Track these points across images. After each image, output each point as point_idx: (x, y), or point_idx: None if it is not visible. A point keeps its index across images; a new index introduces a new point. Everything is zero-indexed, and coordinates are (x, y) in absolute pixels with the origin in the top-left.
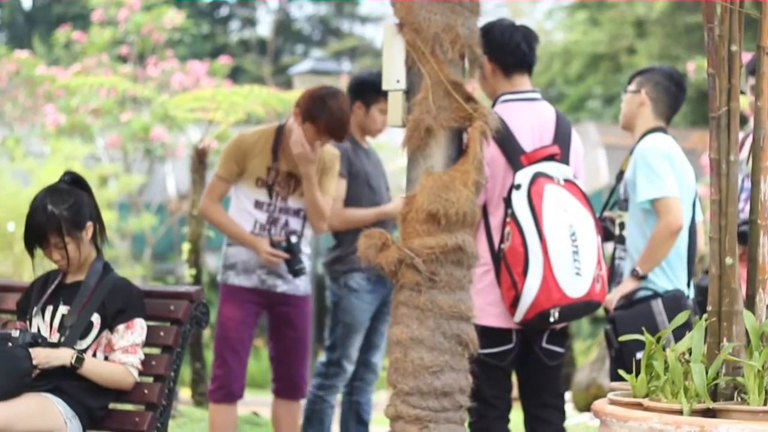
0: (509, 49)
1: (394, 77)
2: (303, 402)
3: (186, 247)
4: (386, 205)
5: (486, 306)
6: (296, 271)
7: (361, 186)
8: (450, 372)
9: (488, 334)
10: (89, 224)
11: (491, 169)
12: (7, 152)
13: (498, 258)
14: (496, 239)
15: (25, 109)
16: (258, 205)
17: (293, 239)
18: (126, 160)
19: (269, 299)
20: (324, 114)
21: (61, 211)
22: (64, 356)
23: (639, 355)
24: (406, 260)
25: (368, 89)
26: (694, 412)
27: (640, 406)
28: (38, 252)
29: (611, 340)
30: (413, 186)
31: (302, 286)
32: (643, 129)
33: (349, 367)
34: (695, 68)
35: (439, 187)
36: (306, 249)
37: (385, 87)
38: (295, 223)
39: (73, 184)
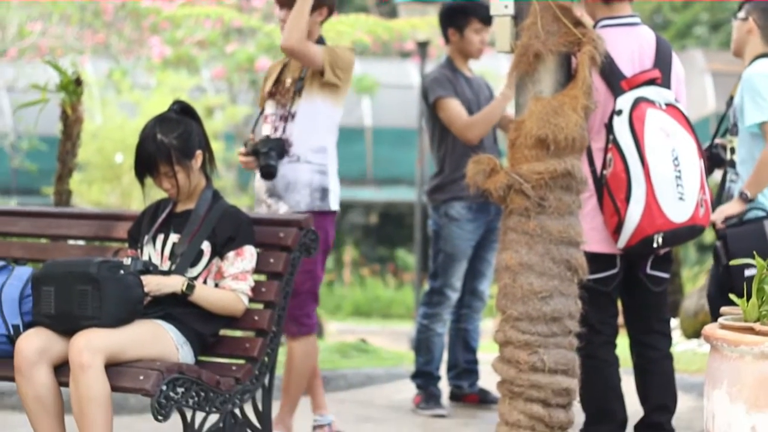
0: None
1: (501, 3)
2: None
3: None
4: (496, 99)
5: (589, 231)
6: (262, 172)
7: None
8: (559, 297)
9: (592, 260)
10: (198, 153)
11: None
12: (113, 85)
13: (600, 184)
14: (599, 165)
15: (131, 42)
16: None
17: (257, 139)
18: (231, 91)
19: None
20: None
21: (171, 140)
22: (175, 284)
23: (747, 272)
24: (515, 186)
25: (458, 14)
26: None
27: (751, 330)
28: (148, 181)
29: (719, 256)
30: (522, 111)
31: (303, 200)
32: (752, 55)
33: (453, 295)
34: None
35: (548, 112)
36: (306, 155)
37: (493, 12)
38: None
39: (182, 113)
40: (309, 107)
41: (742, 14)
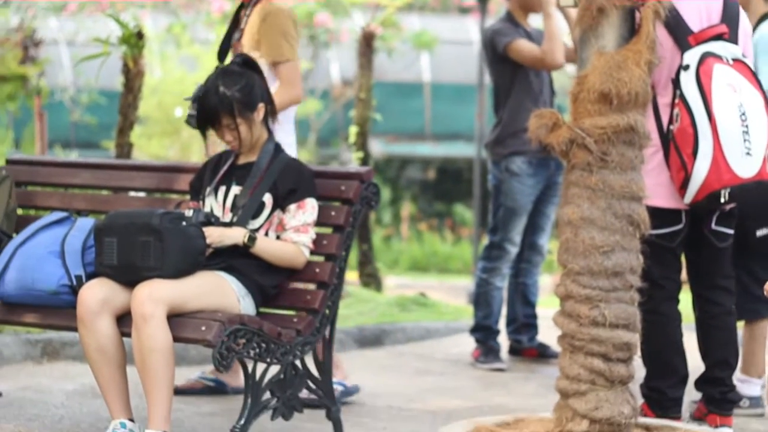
0: None
1: None
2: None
3: (353, 130)
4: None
5: (655, 187)
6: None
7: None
8: (621, 252)
9: (658, 215)
10: (261, 105)
11: (658, 51)
12: (173, 39)
13: (667, 139)
14: (665, 121)
15: None
16: None
17: None
18: None
19: None
20: None
21: (233, 93)
22: (236, 235)
23: (759, 232)
24: (578, 140)
25: None
26: None
27: None
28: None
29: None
30: (585, 66)
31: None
32: (756, 15)
33: (512, 250)
34: None
35: (611, 67)
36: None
37: None
38: None
39: (245, 66)
40: None
41: None
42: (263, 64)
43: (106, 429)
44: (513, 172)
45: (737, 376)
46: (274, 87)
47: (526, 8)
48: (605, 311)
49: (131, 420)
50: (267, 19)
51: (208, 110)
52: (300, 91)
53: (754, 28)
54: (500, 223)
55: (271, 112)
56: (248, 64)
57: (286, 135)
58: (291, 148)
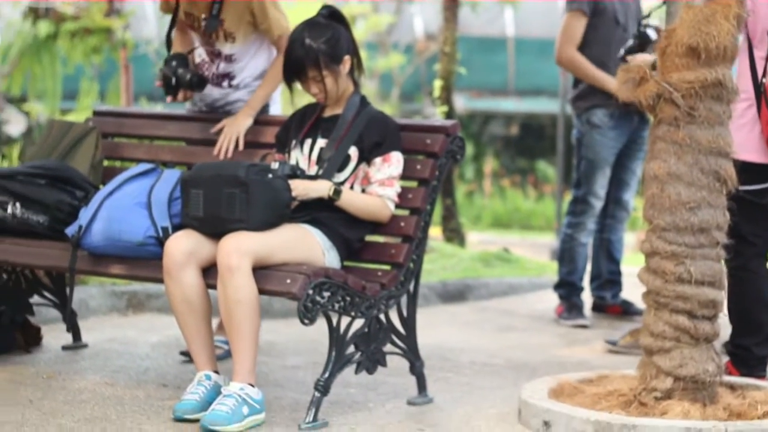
0: None
1: None
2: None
3: (438, 84)
4: (610, 78)
5: (747, 141)
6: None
7: (609, 23)
8: (707, 208)
9: (749, 170)
10: (347, 58)
11: (753, 4)
12: None
13: (759, 93)
14: (760, 74)
15: None
16: None
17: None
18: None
19: None
20: None
21: (319, 45)
22: (322, 188)
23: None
24: (665, 95)
25: None
26: None
27: None
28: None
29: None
30: (673, 19)
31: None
32: None
33: (597, 204)
34: None
35: (700, 21)
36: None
37: None
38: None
39: (331, 18)
40: (245, 48)
41: None
42: (254, 41)
43: (191, 380)
44: (594, 124)
45: None
46: (268, 57)
47: None
48: (691, 268)
49: (216, 372)
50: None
51: (294, 62)
52: None
53: None
54: (583, 177)
55: (358, 65)
56: (334, 15)
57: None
58: (276, 105)
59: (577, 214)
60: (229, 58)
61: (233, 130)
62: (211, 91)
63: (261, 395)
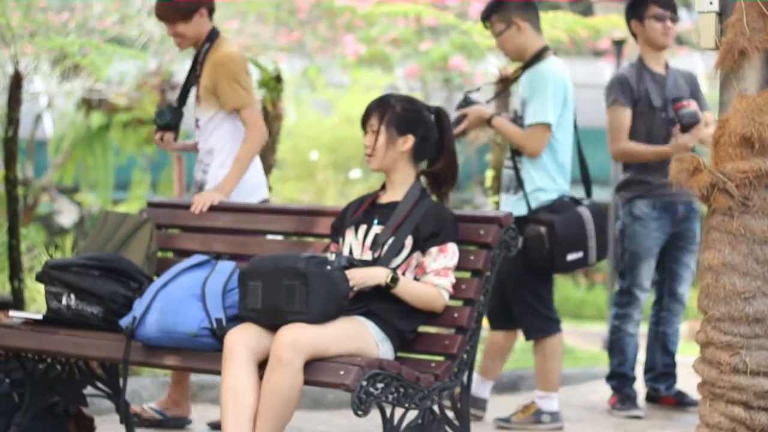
0: None
1: None
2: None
3: (489, 174)
4: (665, 146)
5: None
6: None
7: (643, 110)
8: (762, 298)
9: None
10: (410, 136)
11: None
12: (308, 83)
13: None
14: None
15: (326, 40)
16: None
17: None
18: (425, 89)
19: None
20: None
21: (396, 104)
22: (379, 275)
23: (570, 257)
24: (719, 184)
25: (638, 4)
26: None
27: None
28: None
29: (543, 241)
30: (726, 109)
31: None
32: None
33: (642, 295)
34: None
35: (753, 110)
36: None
37: (698, 9)
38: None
39: (434, 114)
40: (208, 115)
41: None
42: (218, 111)
43: None
44: (636, 215)
45: (537, 394)
46: (225, 129)
47: (652, 45)
48: (746, 358)
49: None
50: (218, 69)
51: (368, 106)
52: (264, 128)
53: (530, 64)
54: (627, 269)
55: (419, 151)
56: (438, 114)
57: (256, 170)
58: (263, 189)
59: (623, 306)
60: (197, 123)
61: (205, 197)
62: (196, 174)
63: None
